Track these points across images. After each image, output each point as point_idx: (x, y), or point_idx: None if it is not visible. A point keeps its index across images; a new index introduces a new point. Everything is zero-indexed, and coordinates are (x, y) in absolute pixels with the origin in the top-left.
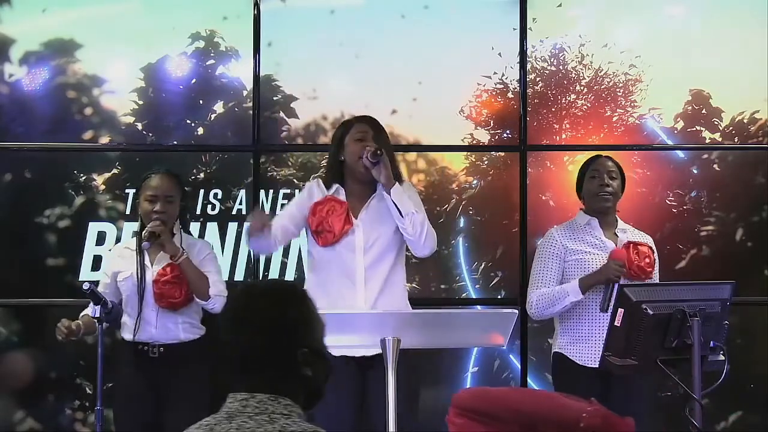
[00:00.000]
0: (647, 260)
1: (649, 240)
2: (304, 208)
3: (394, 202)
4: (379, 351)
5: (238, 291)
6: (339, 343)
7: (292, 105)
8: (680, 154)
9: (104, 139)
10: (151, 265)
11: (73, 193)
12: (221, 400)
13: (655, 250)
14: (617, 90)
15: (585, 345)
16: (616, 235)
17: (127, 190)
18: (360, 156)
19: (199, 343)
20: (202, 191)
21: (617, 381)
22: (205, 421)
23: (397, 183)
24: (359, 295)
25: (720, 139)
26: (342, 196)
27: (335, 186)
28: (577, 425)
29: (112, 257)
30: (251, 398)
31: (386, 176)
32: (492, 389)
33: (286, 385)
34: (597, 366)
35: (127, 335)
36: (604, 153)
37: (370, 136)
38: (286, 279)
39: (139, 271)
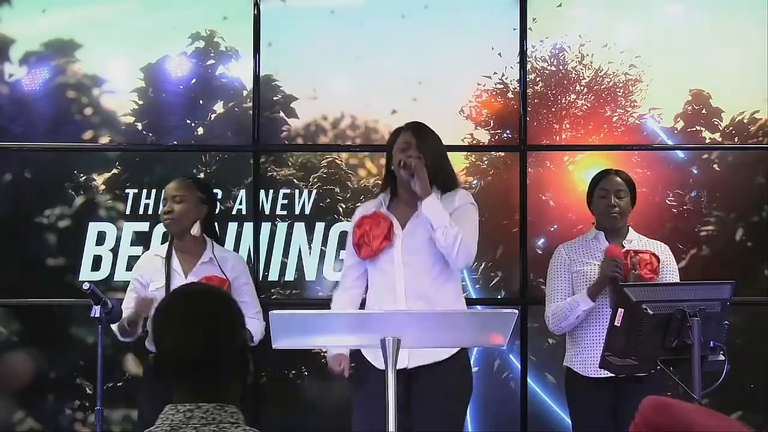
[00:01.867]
0: (648, 267)
1: (659, 248)
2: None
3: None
4: (421, 363)
5: (171, 296)
6: (340, 343)
7: (292, 105)
8: (680, 154)
9: (104, 139)
10: (185, 276)
11: (73, 193)
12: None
13: (664, 256)
14: (617, 90)
15: (589, 356)
16: (623, 246)
17: (127, 190)
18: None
19: None
20: None
21: (628, 391)
22: None
23: (433, 194)
24: (400, 308)
25: (720, 139)
26: (384, 209)
27: (381, 196)
28: None
29: (145, 265)
30: (197, 409)
31: (420, 187)
32: (679, 403)
33: (227, 387)
34: (601, 376)
35: None
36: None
37: (413, 146)
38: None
39: (169, 280)
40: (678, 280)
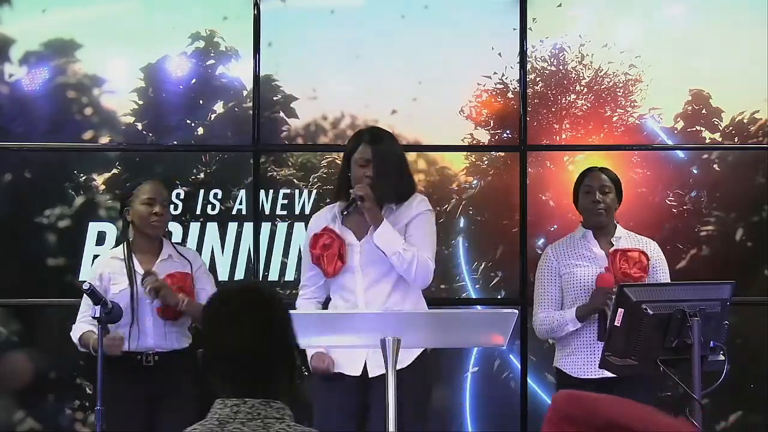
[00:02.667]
0: (638, 266)
1: (648, 244)
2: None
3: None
4: (381, 372)
5: (221, 294)
6: (340, 343)
7: (292, 105)
8: (680, 154)
9: (104, 139)
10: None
11: (73, 193)
12: (209, 405)
13: (653, 253)
14: (617, 90)
15: (578, 358)
16: (612, 243)
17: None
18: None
19: (188, 351)
20: (202, 191)
21: (617, 392)
22: (194, 429)
23: (383, 222)
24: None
25: (720, 139)
26: (337, 226)
27: (336, 208)
28: None
29: (103, 267)
30: (243, 404)
31: (371, 218)
32: (590, 394)
33: (275, 383)
34: (592, 377)
35: None
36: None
37: (371, 163)
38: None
39: (132, 281)
40: (668, 279)
